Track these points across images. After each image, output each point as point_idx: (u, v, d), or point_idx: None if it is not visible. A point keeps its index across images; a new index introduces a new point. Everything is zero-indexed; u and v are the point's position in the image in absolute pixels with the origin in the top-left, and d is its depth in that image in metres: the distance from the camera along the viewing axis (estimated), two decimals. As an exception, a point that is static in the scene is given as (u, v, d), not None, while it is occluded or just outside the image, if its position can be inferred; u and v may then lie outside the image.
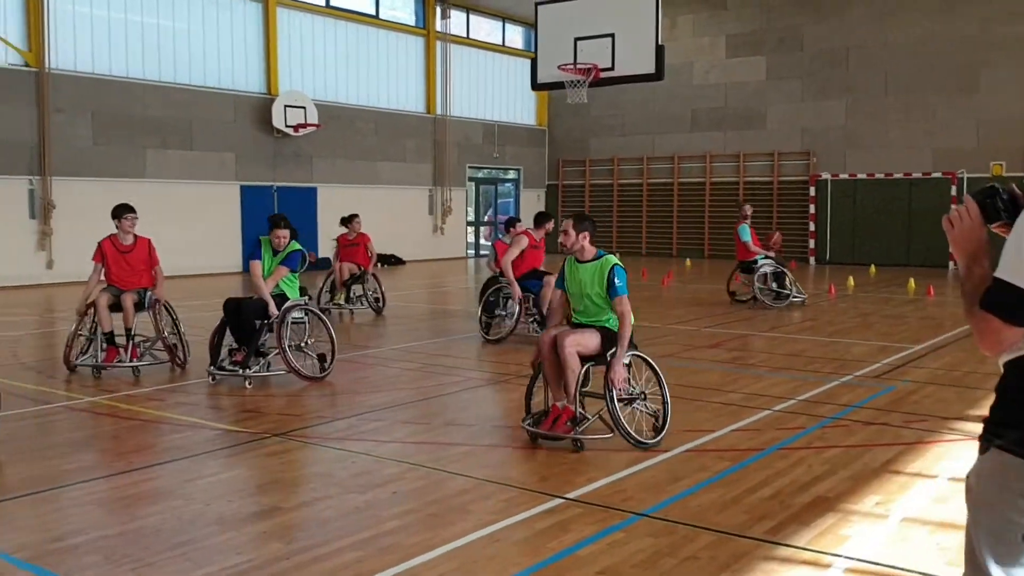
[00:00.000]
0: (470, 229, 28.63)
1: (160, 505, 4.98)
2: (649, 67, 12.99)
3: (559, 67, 13.72)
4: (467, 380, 8.71)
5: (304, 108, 22.24)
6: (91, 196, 18.53)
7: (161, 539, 4.46)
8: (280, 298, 8.51)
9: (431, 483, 5.43)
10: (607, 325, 6.32)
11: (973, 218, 2.37)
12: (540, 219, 13.30)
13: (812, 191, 25.29)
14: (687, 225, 27.60)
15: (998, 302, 2.21)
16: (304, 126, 22.18)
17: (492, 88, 28.50)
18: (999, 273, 2.22)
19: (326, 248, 23.50)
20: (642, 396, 6.28)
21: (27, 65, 17.95)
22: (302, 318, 8.60)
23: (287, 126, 21.93)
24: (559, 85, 14.18)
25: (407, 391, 8.15)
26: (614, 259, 6.39)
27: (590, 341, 6.22)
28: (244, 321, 8.40)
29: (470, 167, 27.89)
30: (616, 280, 6.23)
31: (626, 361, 6.17)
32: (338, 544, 4.41)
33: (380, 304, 13.75)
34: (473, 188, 28.58)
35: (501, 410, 7.55)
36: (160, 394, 7.89)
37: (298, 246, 8.74)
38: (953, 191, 22.73)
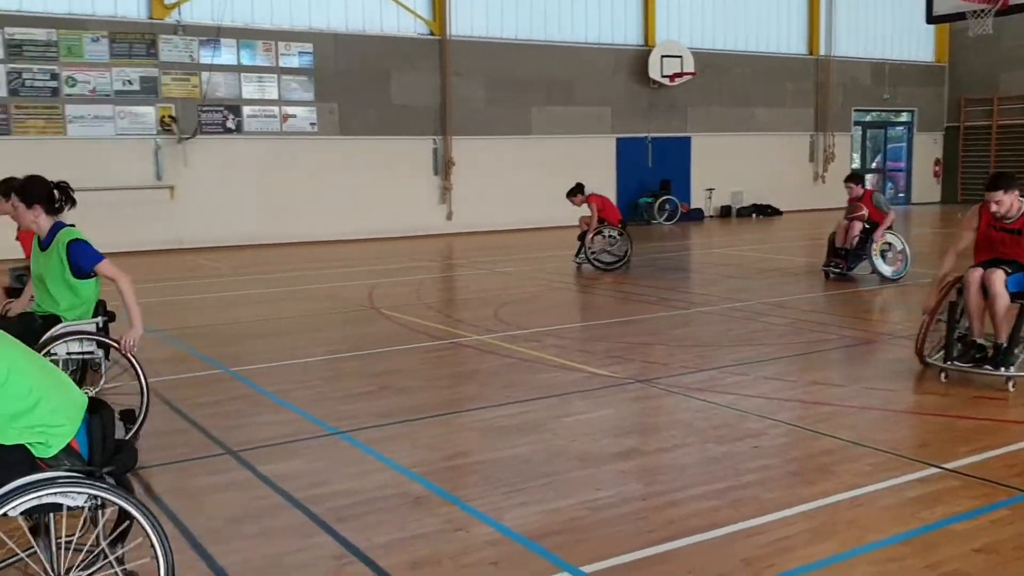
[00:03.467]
0: (853, 177, 26.86)
1: (531, 437, 5.39)
2: (1075, -15, 11.21)
3: (960, -5, 12.31)
4: (839, 338, 8.28)
5: (680, 57, 22.21)
6: (484, 153, 20.17)
7: (530, 468, 4.84)
8: (49, 319, 5.32)
9: (793, 441, 5.30)
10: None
11: None
12: None
13: None
14: (1122, 169, 23.62)
15: None
16: (680, 75, 22.18)
17: (882, 24, 26.27)
18: None
19: (698, 198, 23.52)
20: (102, 559, 3.16)
21: (432, 34, 19.82)
22: (92, 352, 5.32)
23: (663, 76, 22.07)
24: (959, 16, 12.73)
25: (773, 346, 7.96)
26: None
27: None
28: None
29: (856, 110, 26.11)
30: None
31: (83, 503, 3.02)
32: (694, 491, 4.48)
33: (612, 262, 13.23)
34: (859, 133, 26.75)
35: (875, 371, 7.11)
36: (537, 336, 8.47)
37: (76, 233, 5.29)
38: None
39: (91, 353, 5.32)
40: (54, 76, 16.32)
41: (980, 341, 6.46)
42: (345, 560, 3.76)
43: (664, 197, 22.24)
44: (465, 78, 20.12)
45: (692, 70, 22.27)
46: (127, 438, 4.45)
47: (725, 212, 23.90)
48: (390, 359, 7.68)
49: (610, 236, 13.42)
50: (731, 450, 5.10)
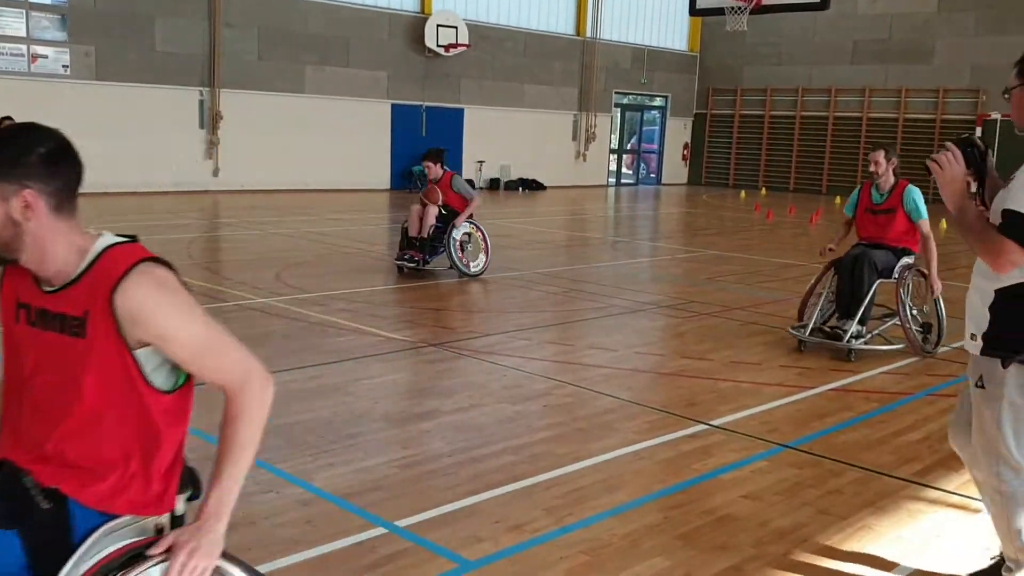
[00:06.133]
0: (612, 157, 28.44)
1: (331, 400, 5.42)
2: (815, -5, 12.52)
3: (720, -7, 13.38)
4: (608, 307, 8.86)
5: (455, 28, 22.45)
6: (255, 108, 19.44)
7: (334, 429, 4.89)
8: None
9: (578, 400, 5.69)
10: None
11: (960, 163, 2.96)
12: None
13: (979, 131, 23.88)
14: (840, 162, 26.62)
15: (1016, 230, 2.80)
16: (455, 46, 22.42)
17: (644, 11, 27.88)
18: (1014, 206, 2.82)
19: (469, 171, 23.99)
20: None
21: (200, -20, 18.77)
22: None
23: (438, 45, 22.22)
24: (719, 11, 13.86)
25: (552, 313, 8.41)
26: None
27: None
28: None
29: (616, 92, 27.59)
30: None
31: None
32: (493, 448, 4.72)
33: None
34: (619, 115, 28.29)
35: (642, 338, 7.72)
36: (324, 300, 8.41)
37: None
38: None
39: None
40: None
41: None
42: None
43: (437, 166, 22.43)
44: (236, 29, 19.26)
45: (467, 42, 22.59)
46: None
47: (494, 185, 24.53)
48: (169, 321, 7.35)
49: None
50: (524, 409, 5.40)
